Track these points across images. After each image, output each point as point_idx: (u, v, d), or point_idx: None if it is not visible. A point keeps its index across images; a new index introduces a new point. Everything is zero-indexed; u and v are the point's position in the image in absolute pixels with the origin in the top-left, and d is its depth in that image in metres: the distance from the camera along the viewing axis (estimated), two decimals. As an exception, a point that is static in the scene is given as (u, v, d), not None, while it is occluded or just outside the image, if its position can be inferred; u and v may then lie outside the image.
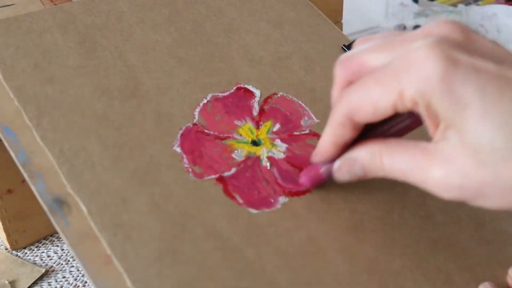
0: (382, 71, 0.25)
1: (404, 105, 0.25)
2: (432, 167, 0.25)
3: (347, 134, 0.28)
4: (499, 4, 0.72)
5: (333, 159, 0.30)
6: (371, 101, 0.26)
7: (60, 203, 0.28)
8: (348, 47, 0.41)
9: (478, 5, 0.78)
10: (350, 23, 0.62)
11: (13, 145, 0.30)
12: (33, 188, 0.29)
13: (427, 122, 0.26)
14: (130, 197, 0.29)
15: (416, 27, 0.74)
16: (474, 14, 0.71)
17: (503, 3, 0.76)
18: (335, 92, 0.29)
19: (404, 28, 0.75)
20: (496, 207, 0.25)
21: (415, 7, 0.75)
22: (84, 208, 0.28)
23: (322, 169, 0.31)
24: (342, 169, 0.29)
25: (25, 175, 0.29)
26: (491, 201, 0.25)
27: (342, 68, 0.28)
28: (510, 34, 0.68)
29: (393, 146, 0.27)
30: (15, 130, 0.30)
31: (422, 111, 0.25)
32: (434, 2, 0.79)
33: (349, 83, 0.28)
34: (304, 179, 0.32)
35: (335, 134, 0.28)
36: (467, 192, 0.25)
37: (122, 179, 0.29)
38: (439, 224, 0.33)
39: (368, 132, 0.29)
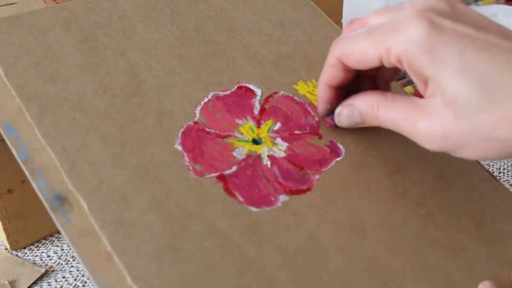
0: (375, 27, 0.29)
1: (389, 61, 0.28)
2: (419, 120, 0.28)
3: (339, 75, 0.32)
4: (499, 4, 0.72)
5: (331, 104, 0.34)
6: (361, 49, 0.30)
7: (61, 200, 0.28)
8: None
9: (478, 5, 0.78)
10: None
11: (15, 142, 0.30)
12: (34, 185, 0.29)
13: (414, 79, 0.29)
14: (131, 195, 0.29)
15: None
16: (474, 15, 0.71)
17: (503, 3, 0.77)
18: None
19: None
20: (475, 157, 0.28)
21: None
22: (85, 205, 0.28)
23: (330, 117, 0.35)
24: (342, 114, 0.33)
25: (27, 172, 0.29)
26: (470, 152, 0.28)
27: (349, 25, 0.32)
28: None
29: (389, 99, 0.30)
30: (17, 128, 0.30)
31: (406, 68, 0.28)
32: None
33: None
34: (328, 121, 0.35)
35: (327, 75, 0.33)
36: (448, 142, 0.28)
37: (123, 177, 0.30)
38: (439, 224, 0.33)
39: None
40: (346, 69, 0.32)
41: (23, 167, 0.29)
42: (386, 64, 0.29)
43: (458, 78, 0.26)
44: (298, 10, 0.42)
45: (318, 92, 0.34)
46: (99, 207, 0.28)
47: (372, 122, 0.32)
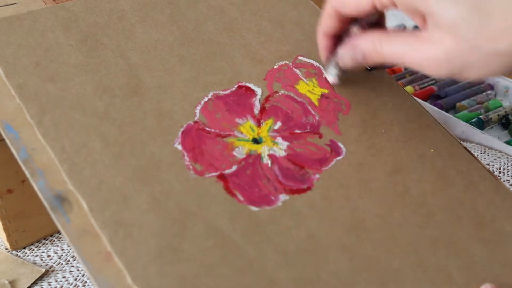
0: None
1: (382, 3, 0.31)
2: (423, 50, 0.30)
3: (335, 24, 0.34)
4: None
5: (330, 52, 0.36)
6: None
7: (61, 200, 0.28)
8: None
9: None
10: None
11: (15, 142, 0.30)
12: (34, 185, 0.29)
13: (410, 16, 0.31)
14: (130, 194, 0.29)
15: (416, 27, 0.75)
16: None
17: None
18: None
19: (404, 28, 0.75)
20: (481, 75, 0.30)
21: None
22: (85, 205, 0.28)
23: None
24: (345, 54, 0.35)
25: (27, 172, 0.29)
26: (475, 71, 0.29)
27: None
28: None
29: (391, 35, 0.32)
30: (17, 128, 0.30)
31: (400, 7, 0.31)
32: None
33: None
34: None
35: (325, 25, 0.35)
36: (453, 66, 0.29)
37: (123, 176, 0.30)
38: (439, 223, 0.33)
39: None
40: (341, 19, 0.34)
41: (23, 167, 0.29)
42: (379, 7, 0.31)
43: (449, 4, 0.28)
44: (298, 10, 0.42)
45: (318, 41, 0.36)
46: (99, 207, 0.28)
47: (376, 59, 0.33)
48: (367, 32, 0.34)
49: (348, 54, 0.34)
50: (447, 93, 0.63)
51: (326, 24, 0.35)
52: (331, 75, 0.37)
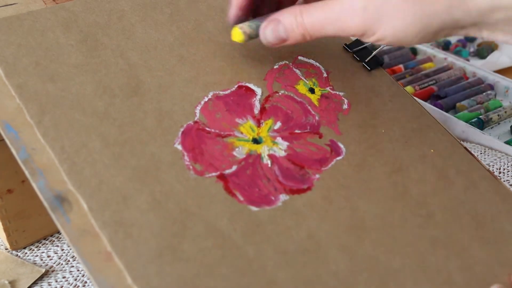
0: None
1: None
2: (341, 4, 0.30)
3: None
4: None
5: (242, 11, 0.34)
6: None
7: (61, 200, 0.28)
8: (350, 46, 0.41)
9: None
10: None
11: (15, 142, 0.30)
12: (34, 185, 0.29)
13: None
14: (130, 194, 0.29)
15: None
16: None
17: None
18: None
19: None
20: (394, 32, 0.29)
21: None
22: (85, 205, 0.28)
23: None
24: (267, 29, 0.33)
25: (26, 172, 0.29)
26: (390, 24, 0.29)
27: None
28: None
29: (311, 6, 0.32)
30: (17, 128, 0.30)
31: None
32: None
33: None
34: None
35: None
36: (368, 13, 0.29)
37: (123, 177, 0.30)
38: (439, 223, 0.33)
39: None
40: None
41: (23, 167, 0.29)
42: None
43: None
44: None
45: (230, 10, 0.34)
46: (99, 207, 0.28)
47: (298, 34, 0.32)
48: (291, 6, 0.33)
49: (270, 26, 0.33)
50: (447, 93, 0.63)
51: None
52: (242, 31, 0.34)
